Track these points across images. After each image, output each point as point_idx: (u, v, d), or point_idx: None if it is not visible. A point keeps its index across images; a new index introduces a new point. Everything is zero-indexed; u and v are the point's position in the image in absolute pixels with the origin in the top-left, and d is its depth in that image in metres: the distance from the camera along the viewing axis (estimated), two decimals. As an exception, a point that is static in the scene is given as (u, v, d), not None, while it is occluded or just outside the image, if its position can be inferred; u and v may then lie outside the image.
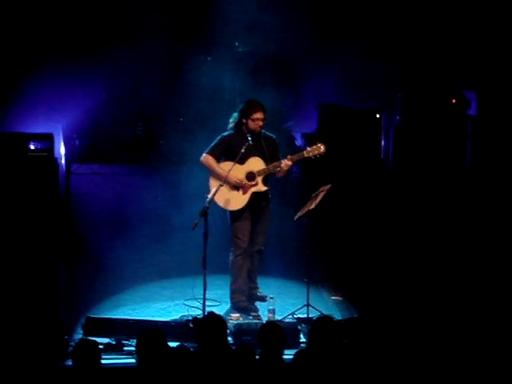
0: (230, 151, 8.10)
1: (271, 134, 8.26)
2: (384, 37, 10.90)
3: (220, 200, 8.05)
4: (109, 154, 10.85)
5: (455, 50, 10.75)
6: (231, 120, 8.28)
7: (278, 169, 8.04)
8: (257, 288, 8.57)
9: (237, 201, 8.12)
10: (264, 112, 8.09)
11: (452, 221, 10.01)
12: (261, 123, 8.07)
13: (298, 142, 11.10)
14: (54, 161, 9.48)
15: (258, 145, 8.08)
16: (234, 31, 10.86)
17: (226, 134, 8.23)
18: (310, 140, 10.72)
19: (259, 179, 8.10)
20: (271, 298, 8.03)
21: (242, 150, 7.91)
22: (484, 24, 10.64)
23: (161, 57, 11.03)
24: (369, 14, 10.99)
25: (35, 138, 9.45)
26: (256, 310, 8.28)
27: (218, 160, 8.14)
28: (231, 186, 8.09)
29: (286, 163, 8.00)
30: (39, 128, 9.94)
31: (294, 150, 10.71)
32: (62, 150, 10.28)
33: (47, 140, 9.47)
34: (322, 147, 8.06)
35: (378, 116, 10.59)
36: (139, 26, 10.83)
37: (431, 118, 10.39)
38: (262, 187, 8.13)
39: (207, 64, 10.94)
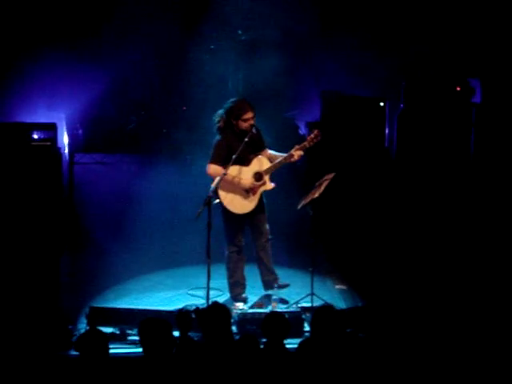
0: (230, 154, 7.96)
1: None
2: (388, 24, 10.85)
3: (231, 205, 8.01)
4: (112, 144, 10.82)
5: (460, 37, 10.70)
6: (217, 119, 8.13)
7: (296, 158, 8.03)
8: (277, 278, 8.41)
9: (248, 203, 8.07)
10: (253, 110, 8.00)
11: (457, 209, 9.98)
12: (252, 122, 7.97)
13: (302, 130, 11.07)
14: (58, 150, 9.46)
15: (252, 141, 8.00)
16: (237, 19, 10.82)
17: (219, 138, 8.09)
18: (314, 128, 10.70)
19: (266, 178, 8.08)
20: (275, 287, 8.02)
21: (246, 139, 7.87)
22: (488, 11, 10.59)
23: (164, 45, 10.99)
24: (373, 0, 10.94)
25: (38, 127, 9.43)
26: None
27: (223, 165, 7.98)
28: (243, 189, 8.03)
29: (298, 154, 8.01)
30: (42, 117, 9.92)
31: (299, 138, 10.70)
32: (66, 140, 10.27)
33: (50, 130, 9.45)
34: (318, 134, 8.07)
35: (382, 104, 10.54)
36: (142, 15, 10.80)
37: (435, 106, 10.34)
38: (269, 185, 8.13)
39: (210, 52, 10.90)
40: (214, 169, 7.99)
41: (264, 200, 8.28)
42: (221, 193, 7.98)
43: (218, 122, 8.12)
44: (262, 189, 8.09)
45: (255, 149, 8.09)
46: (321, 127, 8.42)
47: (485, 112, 10.33)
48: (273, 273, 8.40)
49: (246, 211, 8.10)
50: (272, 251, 8.47)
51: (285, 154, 8.07)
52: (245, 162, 8.01)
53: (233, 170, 7.95)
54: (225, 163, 7.99)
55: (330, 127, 10.37)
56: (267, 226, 8.31)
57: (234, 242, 8.21)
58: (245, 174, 8.01)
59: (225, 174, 7.84)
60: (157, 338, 5.62)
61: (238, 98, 8.39)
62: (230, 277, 8.30)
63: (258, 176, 8.05)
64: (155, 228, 9.91)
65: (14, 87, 10.20)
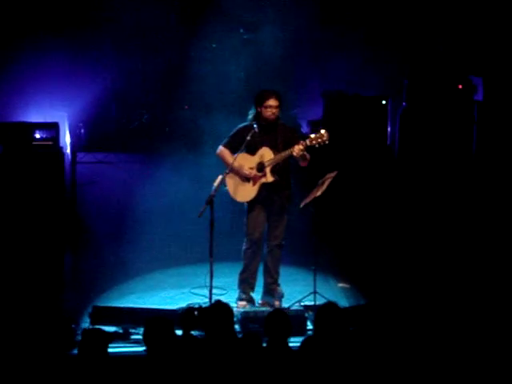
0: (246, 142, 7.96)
1: (291, 126, 8.19)
2: (390, 22, 10.85)
3: (231, 190, 8.03)
4: (115, 143, 10.83)
5: (462, 35, 10.69)
6: (250, 111, 8.16)
7: (296, 154, 7.81)
8: (274, 283, 8.33)
9: (246, 192, 8.05)
10: (278, 99, 7.97)
11: (459, 207, 9.97)
12: (274, 111, 7.95)
13: (304, 128, 11.07)
14: (60, 150, 9.48)
15: (271, 134, 7.98)
16: (239, 17, 10.83)
17: (242, 125, 8.14)
18: (316, 127, 10.70)
19: (267, 170, 8.00)
20: (278, 285, 8.02)
21: (248, 138, 7.86)
22: (490, 9, 10.58)
23: (166, 44, 11.00)
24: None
25: (41, 126, 9.46)
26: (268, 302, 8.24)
27: (235, 152, 8.03)
28: (242, 177, 8.03)
29: (298, 148, 7.82)
30: (45, 117, 9.93)
31: (300, 136, 10.70)
32: (68, 139, 10.27)
33: (53, 129, 9.48)
34: (325, 135, 7.89)
35: (384, 102, 10.53)
36: (144, 14, 10.80)
37: (438, 104, 10.33)
38: (269, 178, 8.01)
39: (212, 51, 10.91)
40: (221, 151, 8.10)
41: (285, 203, 8.19)
42: (228, 180, 8.02)
43: (251, 114, 8.15)
44: (261, 180, 8.05)
45: (271, 143, 8.03)
46: (322, 126, 8.39)
47: (487, 110, 10.32)
48: (272, 277, 8.31)
49: (244, 200, 8.08)
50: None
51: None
52: (253, 150, 8.02)
53: (241, 157, 7.97)
54: (236, 150, 8.01)
55: (332, 125, 10.36)
56: (281, 231, 8.23)
57: (251, 238, 8.16)
58: (248, 163, 8.01)
59: (227, 173, 7.85)
60: (160, 337, 5.63)
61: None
62: (242, 272, 8.26)
63: (261, 167, 8.03)
64: (158, 227, 9.90)
65: (16, 86, 10.22)
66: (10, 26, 10.24)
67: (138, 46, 10.94)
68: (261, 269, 8.31)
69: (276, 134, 8.01)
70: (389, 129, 10.62)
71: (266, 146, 8.00)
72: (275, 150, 8.00)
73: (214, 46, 10.90)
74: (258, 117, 8.04)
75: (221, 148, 8.11)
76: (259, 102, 8.01)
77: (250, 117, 8.14)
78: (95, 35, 10.67)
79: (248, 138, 7.85)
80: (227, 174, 7.86)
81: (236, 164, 7.95)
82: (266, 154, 8.02)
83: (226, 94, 10.67)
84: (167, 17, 10.79)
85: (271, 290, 8.29)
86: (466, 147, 10.32)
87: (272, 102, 7.96)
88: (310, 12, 10.88)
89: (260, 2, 10.83)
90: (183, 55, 10.94)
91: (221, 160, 8.12)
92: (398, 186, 10.22)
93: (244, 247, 8.22)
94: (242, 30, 10.93)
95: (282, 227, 8.21)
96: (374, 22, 10.86)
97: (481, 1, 10.61)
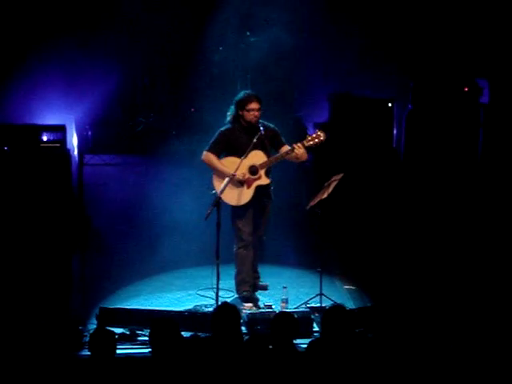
0: (229, 145, 8.08)
1: (270, 124, 8.19)
2: (396, 24, 10.86)
3: (225, 196, 8.03)
4: (121, 145, 10.86)
5: (468, 37, 10.70)
6: (229, 113, 8.23)
7: (297, 154, 7.92)
8: (258, 277, 8.60)
9: (242, 196, 8.08)
10: (259, 102, 8.04)
11: (465, 209, 9.98)
12: (257, 113, 8.01)
13: (310, 131, 11.09)
14: (67, 152, 9.52)
15: (255, 136, 7.97)
16: (246, 20, 10.85)
17: (223, 128, 8.19)
18: (323, 129, 10.72)
19: (262, 172, 8.06)
20: (284, 287, 8.04)
21: (254, 140, 7.88)
22: (496, 12, 10.59)
23: (172, 47, 11.03)
24: (381, 1, 10.95)
25: (48, 129, 9.50)
26: (257, 300, 8.30)
27: (219, 156, 8.12)
28: (235, 181, 8.06)
29: (298, 147, 7.92)
30: (52, 119, 9.96)
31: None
32: (75, 141, 10.30)
33: (60, 131, 9.52)
34: (321, 135, 8.02)
35: (390, 105, 10.55)
36: (150, 16, 10.84)
37: (443, 107, 10.34)
38: (265, 180, 8.10)
39: (219, 54, 10.93)
40: (207, 156, 8.12)
41: (270, 198, 8.28)
42: (216, 183, 8.05)
43: (229, 115, 8.22)
44: (256, 183, 8.10)
45: (261, 146, 8.08)
46: (328, 128, 8.41)
47: (493, 112, 10.32)
48: (255, 271, 8.53)
49: (240, 203, 8.12)
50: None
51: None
52: (238, 152, 8.04)
53: (229, 161, 8.02)
54: (221, 153, 8.11)
55: (338, 128, 10.39)
56: (264, 227, 8.37)
57: (241, 236, 8.23)
58: (240, 167, 8.03)
59: (234, 175, 7.88)
60: (165, 338, 5.66)
61: (248, 90, 8.47)
62: (237, 275, 8.35)
63: (254, 170, 8.07)
64: (164, 228, 9.93)
65: (24, 89, 10.25)
66: (18, 30, 10.28)
67: (144, 48, 10.97)
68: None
69: (262, 139, 8.02)
70: (394, 131, 10.63)
71: (257, 148, 8.03)
72: (265, 151, 8.07)
73: (220, 48, 10.93)
74: (238, 119, 8.10)
75: (205, 153, 8.15)
76: (241, 106, 8.07)
77: (229, 118, 8.20)
78: (102, 38, 10.70)
79: (254, 140, 7.88)
80: (234, 175, 7.88)
81: (227, 169, 7.98)
82: (258, 156, 8.06)
83: (233, 96, 10.69)
84: (173, 19, 10.82)
85: (255, 284, 8.47)
86: (471, 150, 10.33)
87: (254, 105, 8.01)
88: (315, 14, 10.91)
89: (266, 6, 10.84)
90: (190, 58, 10.97)
91: (207, 165, 8.16)
92: (404, 188, 10.23)
93: (235, 248, 8.28)
94: (248, 33, 10.95)
95: (265, 222, 8.37)
96: (379, 24, 10.87)
97: (487, 3, 10.62)
